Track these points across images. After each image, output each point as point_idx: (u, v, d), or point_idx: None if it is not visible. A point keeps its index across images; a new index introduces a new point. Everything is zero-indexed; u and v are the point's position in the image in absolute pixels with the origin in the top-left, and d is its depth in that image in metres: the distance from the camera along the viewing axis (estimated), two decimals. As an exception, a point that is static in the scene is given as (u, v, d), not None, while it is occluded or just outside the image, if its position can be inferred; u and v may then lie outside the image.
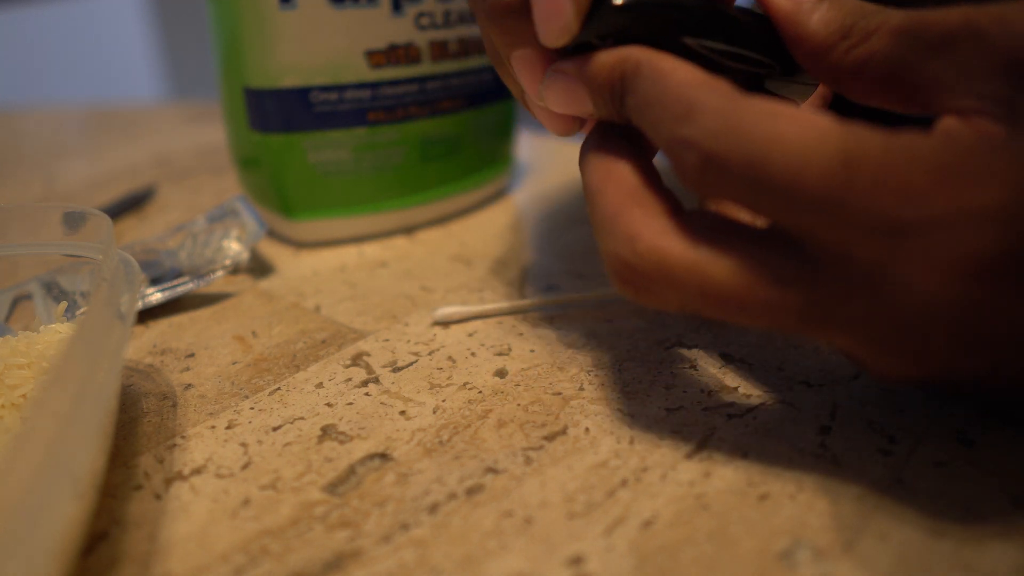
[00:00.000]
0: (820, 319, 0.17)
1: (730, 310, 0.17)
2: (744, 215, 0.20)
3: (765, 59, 0.21)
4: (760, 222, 0.18)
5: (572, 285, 0.30)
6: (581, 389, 0.23)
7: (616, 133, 0.20)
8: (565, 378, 0.24)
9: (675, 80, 0.17)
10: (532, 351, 0.25)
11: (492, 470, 0.20)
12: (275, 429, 0.22)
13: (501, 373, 0.24)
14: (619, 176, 0.19)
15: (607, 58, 0.19)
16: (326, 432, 0.22)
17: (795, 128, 0.15)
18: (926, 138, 0.15)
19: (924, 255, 0.15)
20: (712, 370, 0.24)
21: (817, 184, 0.15)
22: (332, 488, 0.20)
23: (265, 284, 0.32)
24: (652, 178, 0.19)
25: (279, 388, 0.24)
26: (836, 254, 0.16)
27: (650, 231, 0.18)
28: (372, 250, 0.35)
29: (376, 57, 0.33)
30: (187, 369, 0.26)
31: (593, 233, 0.19)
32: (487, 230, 0.37)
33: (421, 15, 0.33)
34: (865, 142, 0.15)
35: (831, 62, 0.19)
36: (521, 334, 0.27)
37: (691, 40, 0.19)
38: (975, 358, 0.16)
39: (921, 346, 0.16)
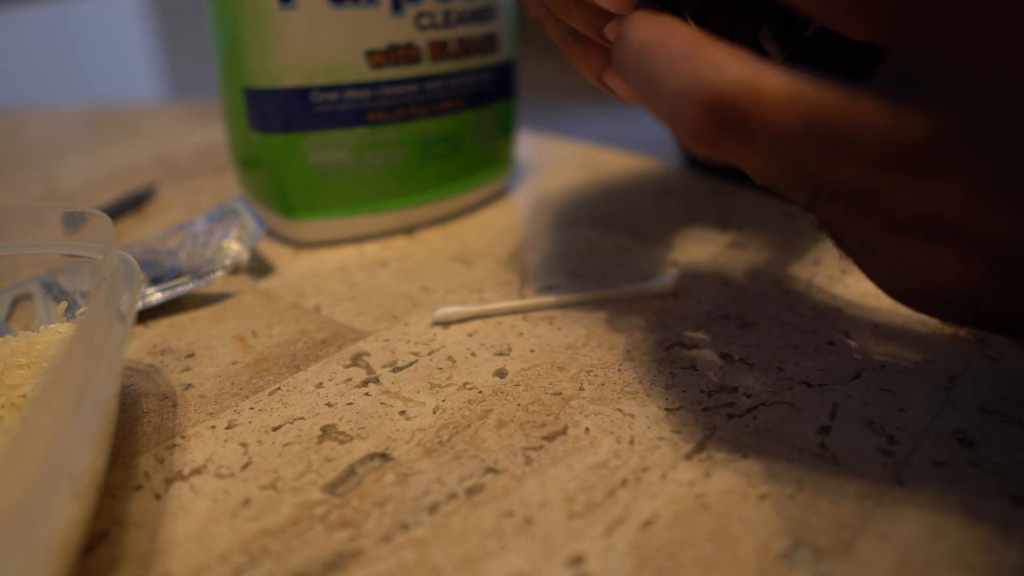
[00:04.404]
0: (942, 157, 0.14)
1: (838, 147, 0.15)
2: None
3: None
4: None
5: (572, 285, 0.30)
6: (581, 389, 0.23)
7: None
8: (565, 378, 0.24)
9: None
10: (532, 351, 0.25)
11: (492, 470, 0.20)
12: (275, 429, 0.22)
13: (501, 373, 0.24)
14: (684, 27, 0.17)
15: None
16: (326, 432, 0.22)
17: None
18: None
19: None
20: (712, 370, 0.24)
21: None
22: (332, 488, 0.20)
23: (265, 284, 0.32)
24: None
25: (279, 388, 0.24)
26: (973, 77, 0.14)
27: (740, 59, 0.15)
28: (372, 250, 0.35)
29: (376, 57, 0.33)
30: (187, 369, 0.26)
31: (644, 92, 0.17)
32: (487, 230, 0.37)
33: (421, 15, 0.33)
34: None
35: None
36: (521, 334, 0.27)
37: None
38: None
39: None
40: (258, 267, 0.34)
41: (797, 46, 0.21)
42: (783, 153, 0.16)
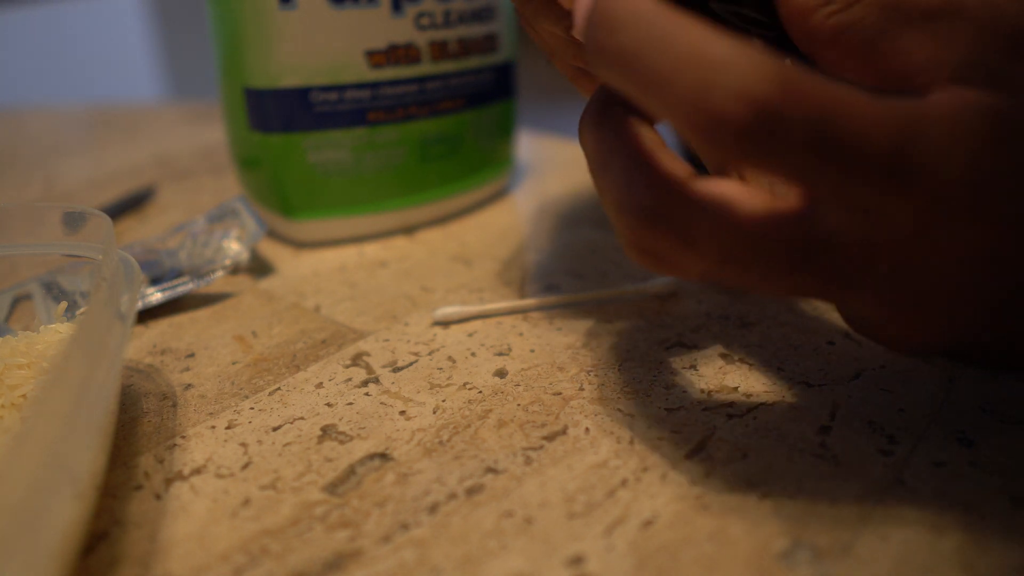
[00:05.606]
0: (846, 281, 0.17)
1: (754, 273, 0.17)
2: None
3: (765, 20, 0.20)
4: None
5: (572, 285, 0.30)
6: (581, 389, 0.23)
7: (618, 103, 0.19)
8: (565, 378, 0.24)
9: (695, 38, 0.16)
10: (532, 351, 0.25)
11: (492, 470, 0.20)
12: (275, 429, 0.22)
13: (501, 373, 0.24)
14: (632, 136, 0.18)
15: None
16: (326, 432, 0.22)
17: (856, 93, 0.15)
18: (946, 103, 0.16)
19: (972, 214, 0.16)
20: (712, 370, 0.24)
21: (885, 149, 0.15)
22: (332, 488, 0.20)
23: (265, 284, 0.32)
24: (661, 140, 0.19)
25: (279, 388, 0.24)
26: (876, 217, 0.16)
27: (675, 176, 0.17)
28: (372, 250, 0.35)
29: (376, 57, 0.33)
30: (187, 369, 0.26)
31: (602, 198, 0.19)
32: (487, 230, 0.37)
33: (421, 15, 0.33)
34: (929, 106, 0.16)
35: (810, 26, 0.19)
36: (521, 334, 0.27)
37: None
38: (1004, 321, 0.17)
39: (951, 309, 0.17)
40: (258, 267, 0.34)
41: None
42: (712, 273, 0.17)
